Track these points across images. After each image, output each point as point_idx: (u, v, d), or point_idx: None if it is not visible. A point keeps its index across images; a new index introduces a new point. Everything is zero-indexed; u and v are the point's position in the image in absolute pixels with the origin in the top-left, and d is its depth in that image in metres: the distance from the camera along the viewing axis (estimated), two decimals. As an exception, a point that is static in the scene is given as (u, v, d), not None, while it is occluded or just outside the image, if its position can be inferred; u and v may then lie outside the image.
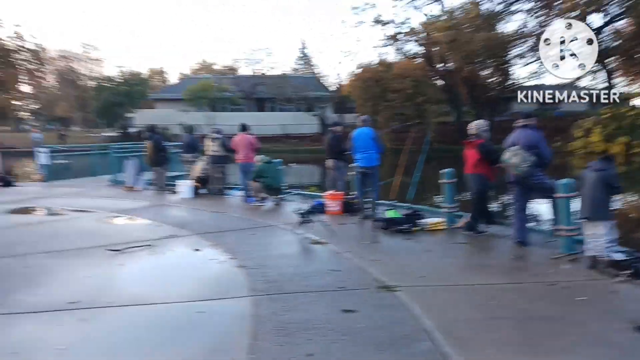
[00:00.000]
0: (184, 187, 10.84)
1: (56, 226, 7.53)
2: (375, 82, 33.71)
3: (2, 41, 36.42)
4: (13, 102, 52.22)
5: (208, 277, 4.97)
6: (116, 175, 13.45)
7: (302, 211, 6.86)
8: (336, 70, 38.78)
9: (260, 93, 50.44)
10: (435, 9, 47.12)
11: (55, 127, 55.01)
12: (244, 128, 10.72)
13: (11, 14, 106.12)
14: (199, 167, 11.39)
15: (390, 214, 7.45)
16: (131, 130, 43.87)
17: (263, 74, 50.03)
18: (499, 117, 31.58)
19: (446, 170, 7.20)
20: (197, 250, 5.95)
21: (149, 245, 6.06)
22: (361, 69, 36.49)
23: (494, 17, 33.88)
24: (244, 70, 53.42)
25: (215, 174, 11.23)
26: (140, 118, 45.96)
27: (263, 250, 5.93)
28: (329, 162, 9.51)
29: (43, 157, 13.88)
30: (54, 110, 58.55)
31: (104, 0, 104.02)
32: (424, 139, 9.95)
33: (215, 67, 66.09)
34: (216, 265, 5.33)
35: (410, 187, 9.37)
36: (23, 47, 35.93)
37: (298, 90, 42.67)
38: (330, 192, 8.81)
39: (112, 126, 49.56)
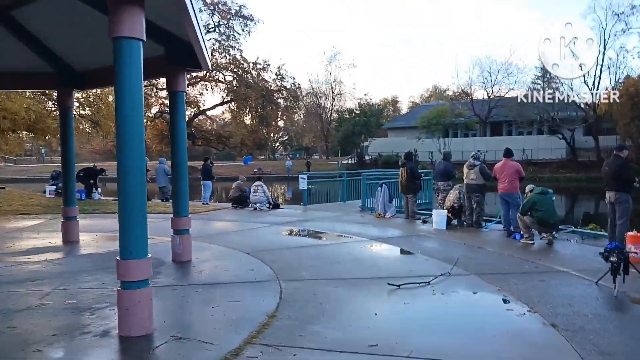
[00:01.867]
0: (438, 217, 10.24)
1: (327, 251, 7.72)
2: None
3: (267, 83, 42.77)
4: (270, 135, 61.34)
5: (513, 334, 4.10)
6: (366, 201, 13.79)
7: (612, 258, 5.40)
8: (588, 86, 33.03)
9: (495, 116, 47.79)
10: None
11: (300, 156, 62.36)
12: (508, 153, 9.61)
13: (270, 54, 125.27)
14: (452, 196, 10.68)
15: None
16: (366, 157, 46.43)
17: (500, 96, 47.23)
18: None
19: None
20: (477, 293, 5.16)
21: (427, 282, 5.54)
22: (624, 83, 31.01)
23: None
24: (478, 94, 51.46)
25: (471, 204, 10.36)
26: (374, 146, 48.38)
27: (568, 305, 4.77)
28: (611, 195, 7.78)
29: (302, 182, 15.14)
30: (301, 141, 66.46)
31: (335, 36, 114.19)
32: None
33: (447, 93, 65.54)
34: (516, 318, 4.44)
35: None
36: (284, 87, 41.47)
37: (541, 112, 38.69)
38: (632, 233, 7.01)
39: (348, 154, 53.50)
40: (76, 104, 18.75)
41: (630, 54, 41.24)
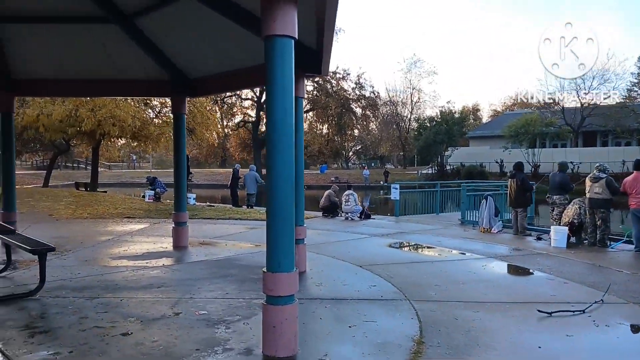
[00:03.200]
0: (558, 234, 9.32)
1: (445, 268, 7.15)
2: None
3: (346, 92, 42.75)
4: (345, 144, 61.27)
5: None
6: (466, 213, 13.02)
7: None
8: None
9: (588, 126, 44.40)
10: None
11: (374, 165, 61.62)
12: (638, 165, 8.57)
13: (349, 63, 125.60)
14: (571, 211, 9.72)
15: None
16: (447, 167, 44.85)
17: (595, 104, 43.83)
18: None
19: None
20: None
21: (582, 311, 4.86)
22: None
23: None
24: (569, 103, 48.11)
25: (595, 220, 9.35)
26: (455, 156, 46.63)
27: None
28: None
29: (395, 192, 14.63)
30: (376, 150, 65.76)
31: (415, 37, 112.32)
32: None
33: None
34: None
35: None
36: (363, 95, 41.23)
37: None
38: None
39: (425, 164, 52.07)
40: (169, 112, 19.62)
41: None
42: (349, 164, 76.40)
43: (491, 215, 11.60)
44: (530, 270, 7.12)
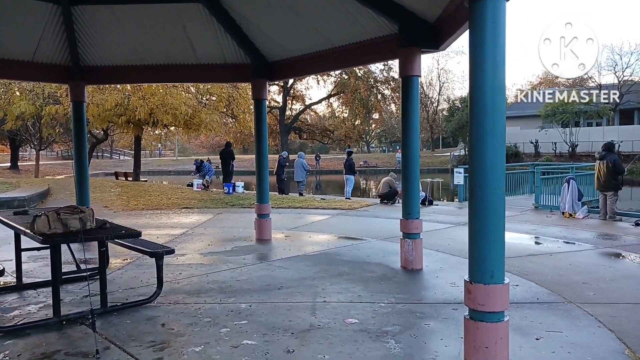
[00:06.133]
0: (668, 219, 8.61)
1: (571, 260, 6.42)
2: None
3: (373, 74, 41.72)
4: (369, 127, 60.22)
5: None
6: (540, 198, 12.30)
7: None
8: None
9: (626, 103, 42.76)
10: None
11: (399, 148, 60.42)
12: None
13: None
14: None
15: None
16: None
17: (632, 80, 42.19)
18: None
19: None
20: None
21: None
22: None
23: None
24: (606, 79, 46.43)
25: None
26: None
27: None
28: None
29: (458, 177, 13.94)
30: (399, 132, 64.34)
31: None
32: None
33: (559, 79, 60.02)
34: None
35: None
36: (392, 77, 40.17)
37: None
38: None
39: (453, 146, 50.88)
40: (213, 98, 19.05)
41: None
42: (369, 148, 75.32)
43: (574, 200, 10.91)
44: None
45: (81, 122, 8.00)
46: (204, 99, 19.10)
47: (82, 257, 5.09)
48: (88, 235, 4.03)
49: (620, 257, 6.77)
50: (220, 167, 18.45)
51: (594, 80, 47.62)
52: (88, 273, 4.38)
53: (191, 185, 17.06)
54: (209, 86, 18.19)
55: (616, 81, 44.01)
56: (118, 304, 4.60)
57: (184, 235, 8.59)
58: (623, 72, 43.87)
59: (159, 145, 59.17)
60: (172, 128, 20.05)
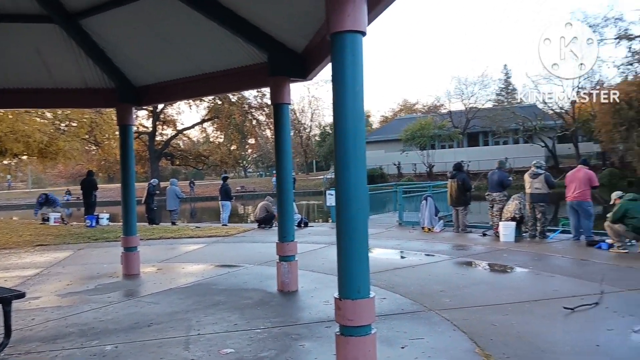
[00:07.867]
0: (507, 229, 9.86)
1: (430, 271, 7.06)
2: (628, 104, 29.12)
3: (247, 100, 42.00)
4: (245, 152, 60.16)
5: None
6: (402, 215, 13.28)
7: None
8: (564, 94, 33.92)
9: (472, 127, 48.48)
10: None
11: (274, 172, 61.14)
12: (585, 162, 9.40)
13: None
14: (512, 206, 10.33)
15: None
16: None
17: (476, 107, 48.08)
18: None
19: None
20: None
21: (596, 303, 5.07)
22: (601, 91, 32.04)
23: None
24: (452, 106, 52.18)
25: (535, 214, 10.05)
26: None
27: None
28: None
29: (330, 198, 14.52)
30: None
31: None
32: None
33: (416, 106, 66.14)
34: None
35: None
36: (266, 103, 40.76)
37: (522, 121, 39.62)
38: None
39: (324, 170, 52.96)
40: (74, 124, 17.44)
41: (605, 64, 42.99)
42: (247, 173, 75.15)
43: (432, 215, 11.99)
44: (511, 267, 7.38)
45: None
46: (63, 125, 17.43)
47: None
48: None
49: (472, 265, 7.61)
50: (81, 198, 16.90)
51: (445, 108, 53.51)
52: None
53: (47, 219, 15.32)
54: (69, 111, 16.67)
55: (463, 108, 49.78)
56: (-49, 362, 3.95)
57: (38, 276, 7.68)
58: (469, 99, 49.85)
59: (8, 176, 52.42)
60: (25, 157, 17.89)
